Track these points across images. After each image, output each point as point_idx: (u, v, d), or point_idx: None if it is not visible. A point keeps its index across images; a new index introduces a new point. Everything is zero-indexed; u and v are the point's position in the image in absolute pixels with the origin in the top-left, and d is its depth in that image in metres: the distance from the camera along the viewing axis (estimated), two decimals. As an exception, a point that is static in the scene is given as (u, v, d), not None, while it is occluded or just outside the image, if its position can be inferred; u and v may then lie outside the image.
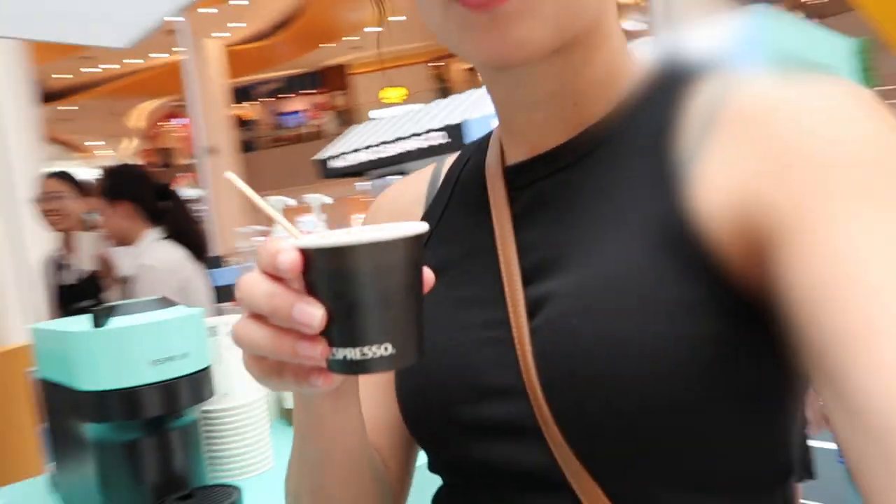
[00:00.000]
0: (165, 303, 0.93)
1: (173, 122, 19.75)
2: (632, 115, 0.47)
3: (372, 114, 19.45)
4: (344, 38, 17.20)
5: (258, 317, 0.36)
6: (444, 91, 18.39)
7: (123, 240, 2.21)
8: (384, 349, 0.34)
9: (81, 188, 2.67)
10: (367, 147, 6.77)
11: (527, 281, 0.47)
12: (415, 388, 0.51)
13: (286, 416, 1.36)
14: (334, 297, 0.34)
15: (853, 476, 0.32)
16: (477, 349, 0.47)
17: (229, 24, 13.40)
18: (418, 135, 6.32)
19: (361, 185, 7.75)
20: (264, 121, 18.71)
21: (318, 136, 17.68)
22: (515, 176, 0.51)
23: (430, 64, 20.18)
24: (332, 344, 0.34)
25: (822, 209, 0.34)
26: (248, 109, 18.88)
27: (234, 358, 1.06)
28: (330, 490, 0.50)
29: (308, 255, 0.34)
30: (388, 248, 0.34)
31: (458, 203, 0.56)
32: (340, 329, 0.34)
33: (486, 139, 0.57)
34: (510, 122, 0.52)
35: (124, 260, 2.20)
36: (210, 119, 14.19)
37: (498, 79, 0.48)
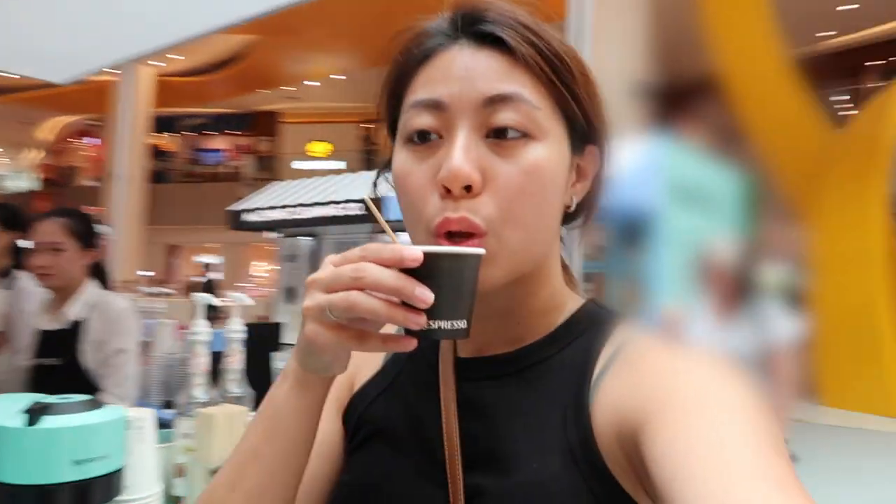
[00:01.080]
0: (95, 404, 1.02)
1: (84, 140, 18.92)
2: (562, 344, 0.60)
3: (295, 164, 19.40)
4: (281, 87, 17.28)
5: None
6: (370, 153, 18.73)
7: (67, 286, 2.10)
8: (462, 323, 0.50)
9: (7, 223, 2.55)
10: (284, 206, 6.82)
11: (465, 468, 0.56)
12: None
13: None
14: (436, 286, 0.48)
15: None
16: None
17: (168, 55, 13.25)
18: (337, 203, 6.45)
19: (269, 234, 7.79)
20: (182, 154, 18.26)
21: (235, 178, 17.38)
22: (463, 370, 0.62)
23: (361, 125, 20.51)
24: (428, 317, 0.48)
25: (674, 413, 0.46)
26: (168, 140, 18.39)
27: (143, 452, 1.15)
28: (278, 488, 0.56)
29: (427, 256, 0.48)
30: (474, 259, 0.50)
31: (409, 376, 0.66)
32: (438, 307, 0.48)
33: None
34: None
35: (75, 307, 2.09)
36: (126, 145, 13.72)
37: None
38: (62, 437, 0.94)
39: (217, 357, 1.39)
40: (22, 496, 0.94)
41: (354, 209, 6.32)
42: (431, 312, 0.48)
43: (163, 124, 17.36)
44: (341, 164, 19.13)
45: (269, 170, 18.34)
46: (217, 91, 15.77)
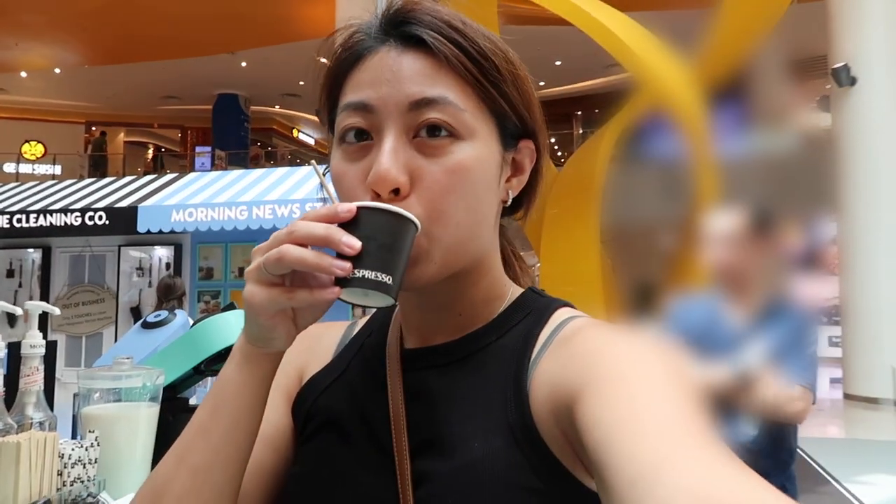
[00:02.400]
0: None
1: None
2: (502, 331, 0.61)
3: (7, 167, 16.57)
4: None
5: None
6: (100, 160, 16.71)
7: None
8: (387, 279, 0.51)
9: None
10: (4, 212, 5.81)
11: (412, 455, 0.57)
12: None
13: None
14: (366, 238, 0.51)
15: None
16: None
17: None
18: (73, 211, 5.68)
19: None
20: None
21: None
22: (409, 360, 0.63)
23: (94, 127, 18.26)
24: (355, 267, 0.50)
25: (603, 382, 0.48)
26: None
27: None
28: (223, 466, 0.55)
29: (361, 210, 0.52)
30: (404, 220, 0.52)
31: (358, 367, 0.66)
32: (365, 258, 0.50)
33: (389, 318, 0.69)
34: (410, 317, 0.65)
35: None
36: None
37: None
38: None
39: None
40: None
41: (97, 218, 5.62)
42: (359, 262, 0.50)
43: None
44: (56, 169, 16.82)
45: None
46: None
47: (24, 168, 16.94)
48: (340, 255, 0.50)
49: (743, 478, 0.38)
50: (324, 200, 0.63)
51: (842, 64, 7.51)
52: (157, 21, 12.16)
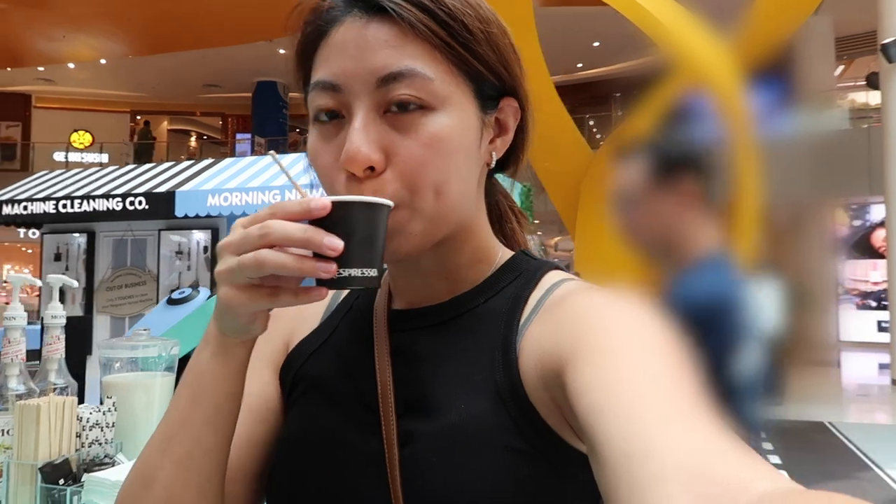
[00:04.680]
0: None
1: None
2: (491, 293, 0.60)
3: (57, 156, 17.14)
4: (38, 67, 15.21)
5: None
6: (145, 147, 17.14)
7: None
8: (373, 272, 0.49)
9: None
10: (51, 198, 6.02)
11: (399, 414, 0.57)
12: (294, 487, 0.60)
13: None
14: (345, 235, 0.48)
15: None
16: (356, 469, 0.57)
17: None
18: (115, 196, 5.84)
19: (24, 232, 6.82)
20: None
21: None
22: (397, 322, 0.62)
23: (139, 116, 18.73)
24: (339, 266, 0.48)
25: (592, 347, 0.48)
26: None
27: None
28: (206, 455, 0.55)
29: (336, 205, 0.48)
30: (383, 208, 0.50)
31: (346, 330, 0.66)
32: (348, 256, 0.48)
33: None
34: (397, 281, 0.64)
35: None
36: None
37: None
38: None
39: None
40: None
41: (137, 203, 5.77)
42: (342, 261, 0.48)
43: None
44: (104, 157, 17.32)
45: (22, 159, 16.07)
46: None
47: (73, 157, 17.48)
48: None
49: (735, 451, 0.37)
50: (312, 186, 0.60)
51: (891, 39, 7.21)
52: (197, 10, 12.37)
